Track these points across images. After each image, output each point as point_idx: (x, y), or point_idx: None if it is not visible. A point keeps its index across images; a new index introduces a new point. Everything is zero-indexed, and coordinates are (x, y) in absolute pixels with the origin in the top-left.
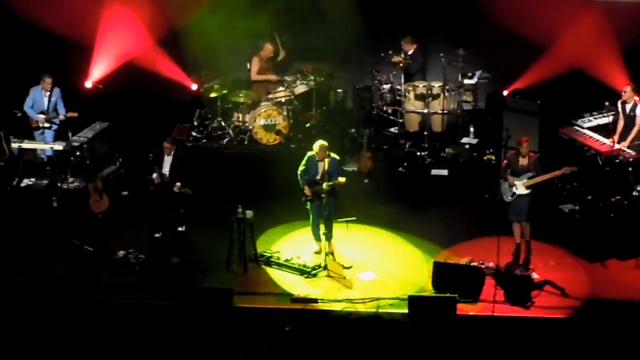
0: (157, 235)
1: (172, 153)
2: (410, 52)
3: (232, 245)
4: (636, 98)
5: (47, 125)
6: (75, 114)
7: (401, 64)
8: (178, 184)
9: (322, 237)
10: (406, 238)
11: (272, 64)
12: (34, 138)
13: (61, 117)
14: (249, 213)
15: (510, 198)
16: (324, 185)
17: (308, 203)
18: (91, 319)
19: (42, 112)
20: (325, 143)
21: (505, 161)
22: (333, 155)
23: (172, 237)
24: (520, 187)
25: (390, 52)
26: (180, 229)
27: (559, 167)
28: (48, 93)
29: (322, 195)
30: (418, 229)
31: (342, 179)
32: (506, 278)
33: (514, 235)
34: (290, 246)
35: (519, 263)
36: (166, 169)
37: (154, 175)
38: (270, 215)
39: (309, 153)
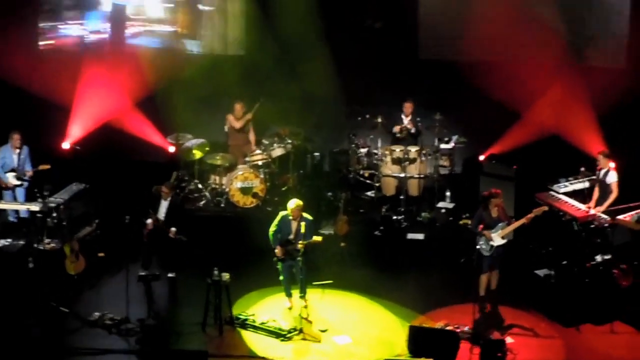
0: (170, 275)
1: (169, 198)
2: (410, 117)
3: (207, 307)
4: (611, 165)
5: (17, 183)
6: (48, 166)
7: (403, 132)
8: (174, 229)
9: (295, 296)
10: (382, 302)
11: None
12: (2, 198)
13: (29, 173)
14: (225, 275)
15: (489, 252)
16: (299, 244)
17: (279, 263)
18: None
19: (12, 170)
20: (301, 202)
21: (478, 221)
22: (306, 215)
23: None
24: (497, 239)
25: (367, 116)
26: (170, 275)
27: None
28: (17, 150)
29: (299, 256)
30: (394, 293)
31: (318, 238)
32: (481, 342)
33: (479, 288)
34: (266, 309)
35: (493, 325)
36: (162, 213)
37: (149, 221)
38: (247, 277)
39: (282, 213)
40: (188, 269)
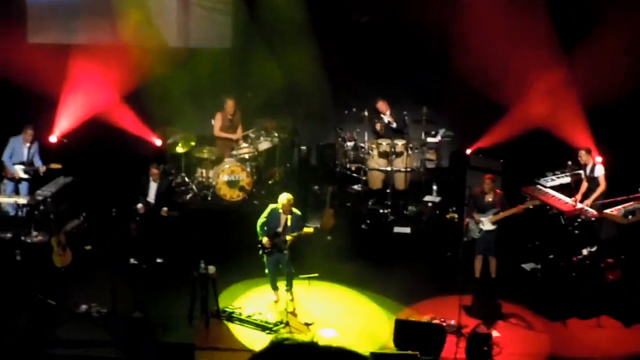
0: (159, 260)
1: (158, 180)
2: (388, 112)
3: (194, 300)
4: (597, 159)
5: (25, 176)
6: (59, 165)
7: (383, 130)
8: (165, 208)
9: (282, 289)
10: (368, 295)
11: (235, 119)
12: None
13: (42, 169)
14: (212, 268)
15: (478, 235)
16: (288, 236)
17: (265, 255)
18: None
19: (21, 163)
20: (292, 197)
21: (471, 204)
22: (295, 210)
23: (149, 268)
24: (487, 223)
25: (354, 109)
26: (158, 260)
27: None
28: (28, 144)
29: (285, 248)
30: (380, 286)
31: (309, 229)
32: (468, 336)
33: (474, 271)
34: (253, 302)
35: (480, 318)
36: (152, 196)
37: (139, 205)
38: (233, 270)
39: (272, 205)
40: (175, 261)
